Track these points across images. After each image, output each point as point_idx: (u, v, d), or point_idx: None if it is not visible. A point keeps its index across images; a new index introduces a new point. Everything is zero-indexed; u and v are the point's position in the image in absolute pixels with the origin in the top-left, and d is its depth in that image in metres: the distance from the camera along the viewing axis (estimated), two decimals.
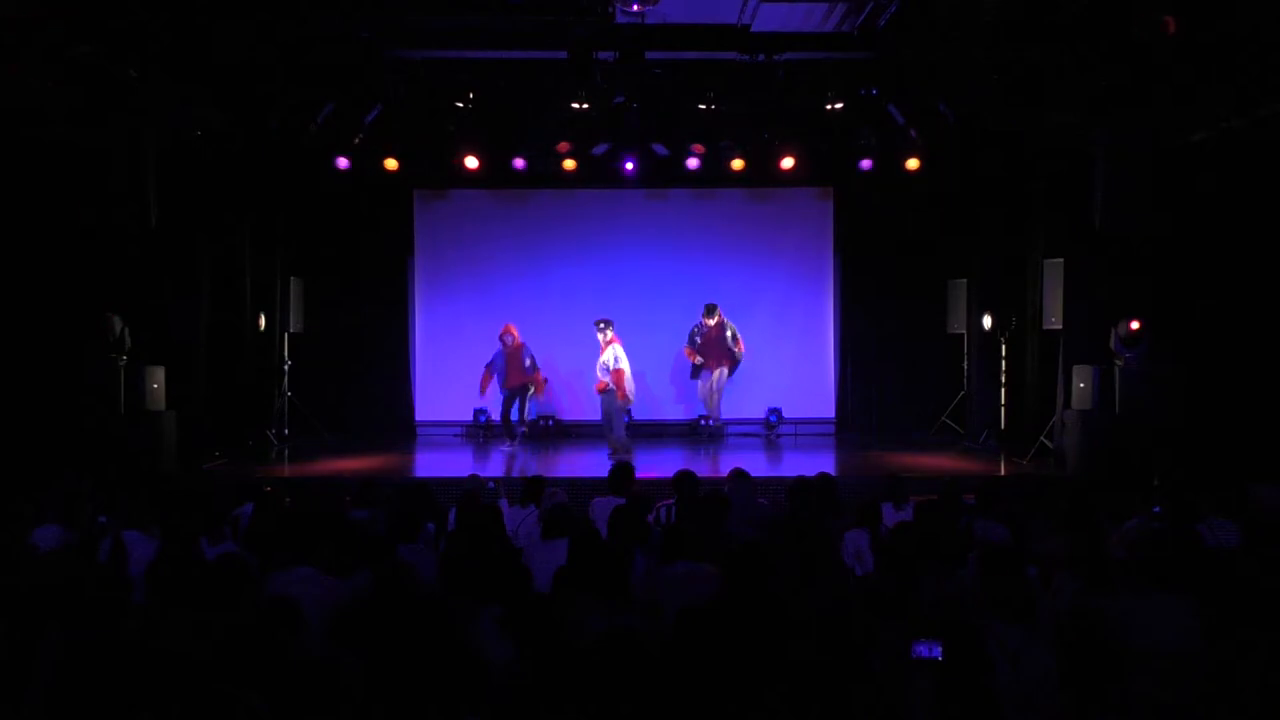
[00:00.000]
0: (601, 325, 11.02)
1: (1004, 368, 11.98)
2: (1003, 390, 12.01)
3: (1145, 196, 9.55)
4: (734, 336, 11.76)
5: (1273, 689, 3.12)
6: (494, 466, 10.69)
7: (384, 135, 11.59)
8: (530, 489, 7.04)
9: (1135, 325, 9.47)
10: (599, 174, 12.53)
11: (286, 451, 11.73)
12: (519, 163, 11.94)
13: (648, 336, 12.38)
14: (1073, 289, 10.27)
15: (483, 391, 11.71)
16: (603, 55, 9.57)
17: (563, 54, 9.52)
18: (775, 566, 4.52)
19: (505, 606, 3.93)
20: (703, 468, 10.02)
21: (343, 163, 11.62)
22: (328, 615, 4.11)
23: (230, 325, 11.44)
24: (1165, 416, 9.35)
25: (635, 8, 8.33)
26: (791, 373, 13.28)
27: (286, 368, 12.36)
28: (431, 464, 11.27)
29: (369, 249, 13.35)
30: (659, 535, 5.47)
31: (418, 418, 13.42)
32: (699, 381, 12.00)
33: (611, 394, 10.79)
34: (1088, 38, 8.50)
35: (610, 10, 8.61)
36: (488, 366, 11.55)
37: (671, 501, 6.55)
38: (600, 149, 12.05)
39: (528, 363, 11.39)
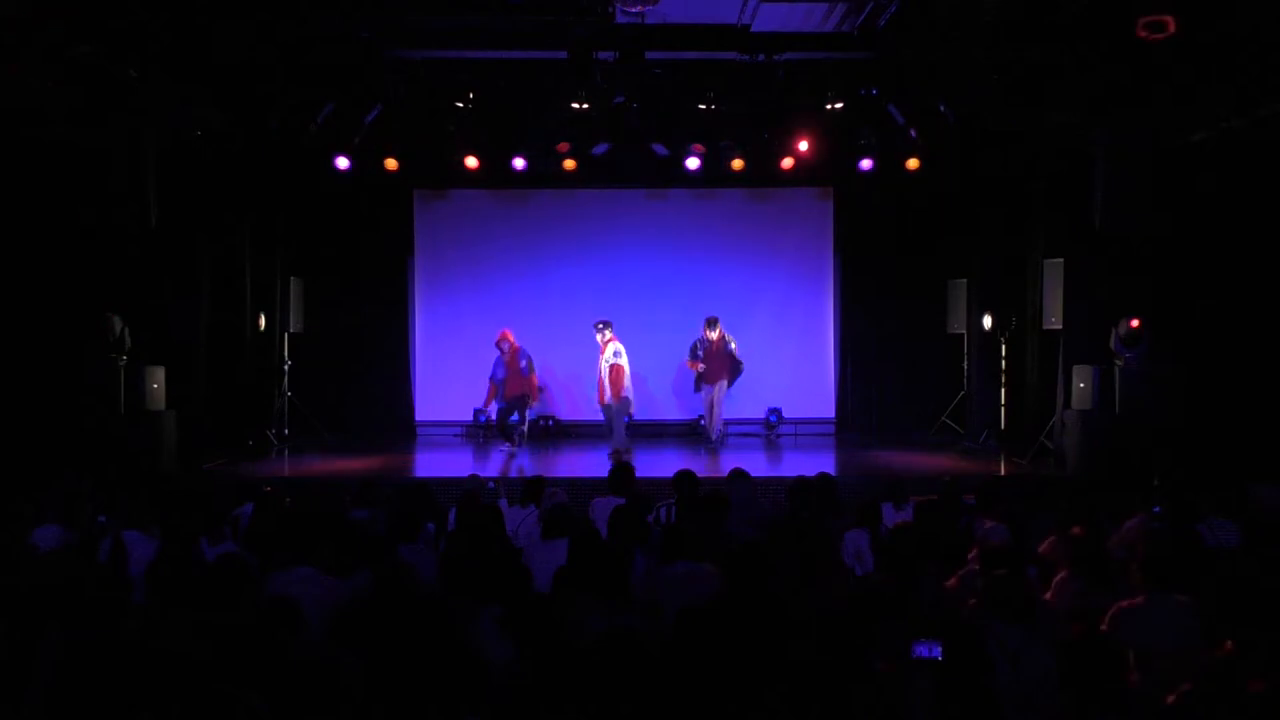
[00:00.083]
0: (600, 326, 11.04)
1: (1004, 368, 11.97)
2: (1003, 390, 12.00)
3: (1145, 196, 9.55)
4: (734, 351, 11.64)
5: (1273, 689, 3.12)
6: (494, 466, 10.69)
7: (384, 135, 11.59)
8: (530, 489, 7.04)
9: (1135, 323, 9.47)
10: (599, 174, 12.54)
11: (286, 451, 11.73)
12: (519, 163, 11.94)
13: (648, 336, 12.37)
14: (1073, 289, 10.26)
15: (487, 405, 11.77)
16: (603, 55, 9.57)
17: (563, 54, 9.52)
18: (775, 566, 4.52)
19: (505, 606, 3.93)
20: (703, 468, 10.01)
21: (343, 163, 11.61)
22: (328, 615, 4.11)
23: (230, 325, 11.44)
24: (1165, 416, 9.35)
25: (635, 8, 8.33)
26: (791, 373, 13.28)
27: (286, 368, 12.36)
28: (431, 464, 11.27)
29: (369, 249, 13.34)
30: (659, 535, 5.48)
31: (418, 418, 13.42)
32: (700, 394, 11.93)
33: (609, 406, 10.87)
34: (1088, 38, 8.50)
35: (610, 10, 8.61)
36: (491, 380, 11.54)
37: (671, 501, 6.55)
38: (600, 149, 12.05)
39: (524, 364, 11.37)
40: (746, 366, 11.79)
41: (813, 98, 10.75)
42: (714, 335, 11.36)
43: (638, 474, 7.41)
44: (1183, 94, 8.88)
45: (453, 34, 9.65)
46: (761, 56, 9.84)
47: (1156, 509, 6.41)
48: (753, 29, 9.48)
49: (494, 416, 11.90)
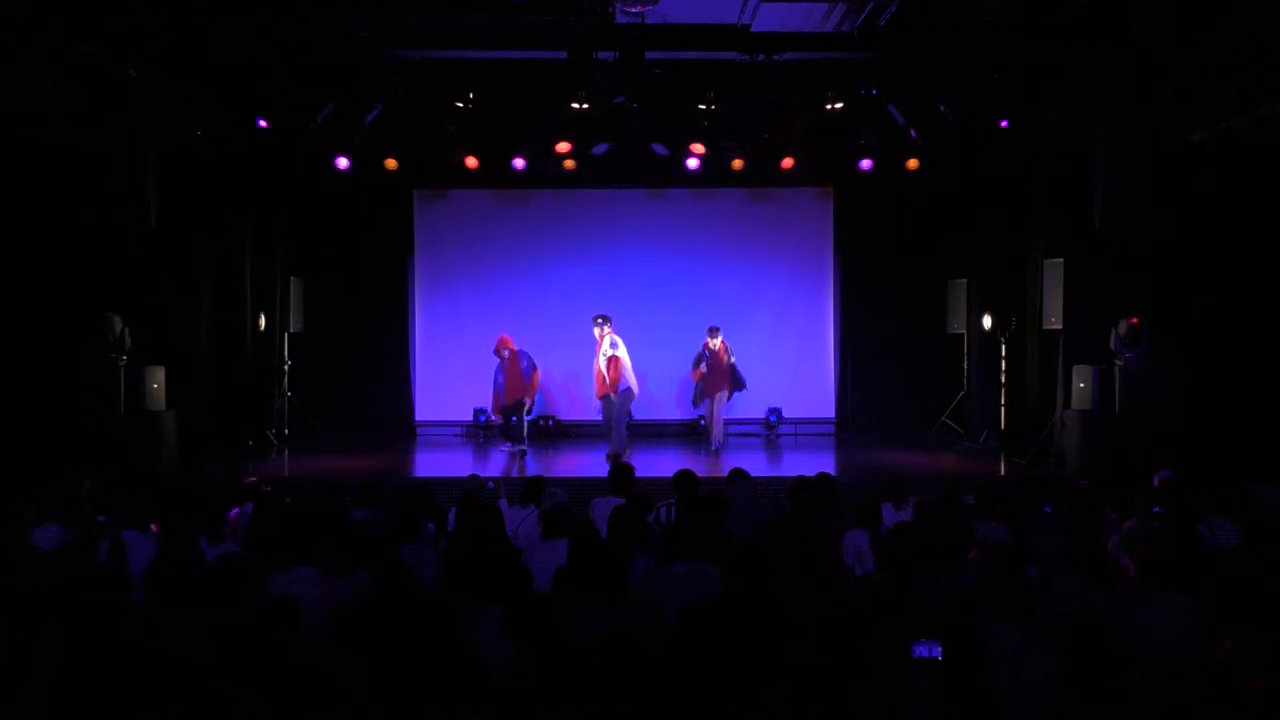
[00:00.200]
0: (599, 321, 10.98)
1: (1004, 368, 11.98)
2: (1003, 390, 12.01)
3: (1145, 196, 9.55)
4: (734, 364, 11.53)
5: (1273, 689, 3.12)
6: (494, 466, 10.69)
7: (384, 135, 11.59)
8: (530, 489, 7.04)
9: (1134, 320, 9.48)
10: (599, 174, 12.54)
11: (286, 451, 11.73)
12: (519, 163, 11.94)
13: (648, 336, 12.36)
14: (1073, 289, 10.27)
15: (494, 412, 11.70)
16: (603, 55, 9.58)
17: (563, 54, 9.53)
18: (775, 566, 4.52)
19: (505, 606, 3.93)
20: (703, 468, 10.01)
21: (343, 163, 11.62)
22: (328, 615, 4.11)
23: (230, 325, 11.44)
24: (1165, 416, 9.34)
25: (635, 8, 8.34)
26: (791, 373, 13.28)
27: (286, 368, 12.36)
28: (431, 464, 11.26)
29: (369, 249, 13.35)
30: (659, 535, 5.47)
31: (418, 418, 13.42)
32: (701, 408, 11.87)
33: (610, 399, 10.81)
34: (1088, 38, 8.51)
35: (610, 10, 8.62)
36: (494, 388, 11.49)
37: (671, 501, 6.55)
38: (600, 149, 12.05)
39: (525, 365, 11.33)
40: (746, 366, 11.76)
41: (813, 98, 10.76)
42: (717, 345, 11.31)
43: (638, 474, 7.40)
44: (1183, 94, 8.88)
45: (453, 34, 9.65)
46: (761, 56, 9.84)
47: (1156, 509, 6.41)
48: (753, 29, 9.48)
49: (494, 418, 11.93)
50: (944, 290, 13.07)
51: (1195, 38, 7.98)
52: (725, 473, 7.43)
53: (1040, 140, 10.63)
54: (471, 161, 11.81)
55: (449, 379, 13.19)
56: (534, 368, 11.41)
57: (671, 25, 9.36)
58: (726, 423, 11.90)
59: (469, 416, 13.01)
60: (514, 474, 9.98)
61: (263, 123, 10.49)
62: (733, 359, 11.49)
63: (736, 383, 11.58)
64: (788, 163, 11.97)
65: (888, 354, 13.48)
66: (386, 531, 5.69)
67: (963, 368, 12.78)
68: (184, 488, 8.68)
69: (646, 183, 13.12)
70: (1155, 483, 6.86)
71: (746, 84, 10.67)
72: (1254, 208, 9.56)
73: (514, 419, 11.32)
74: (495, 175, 12.25)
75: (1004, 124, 10.68)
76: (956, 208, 12.53)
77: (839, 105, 10.77)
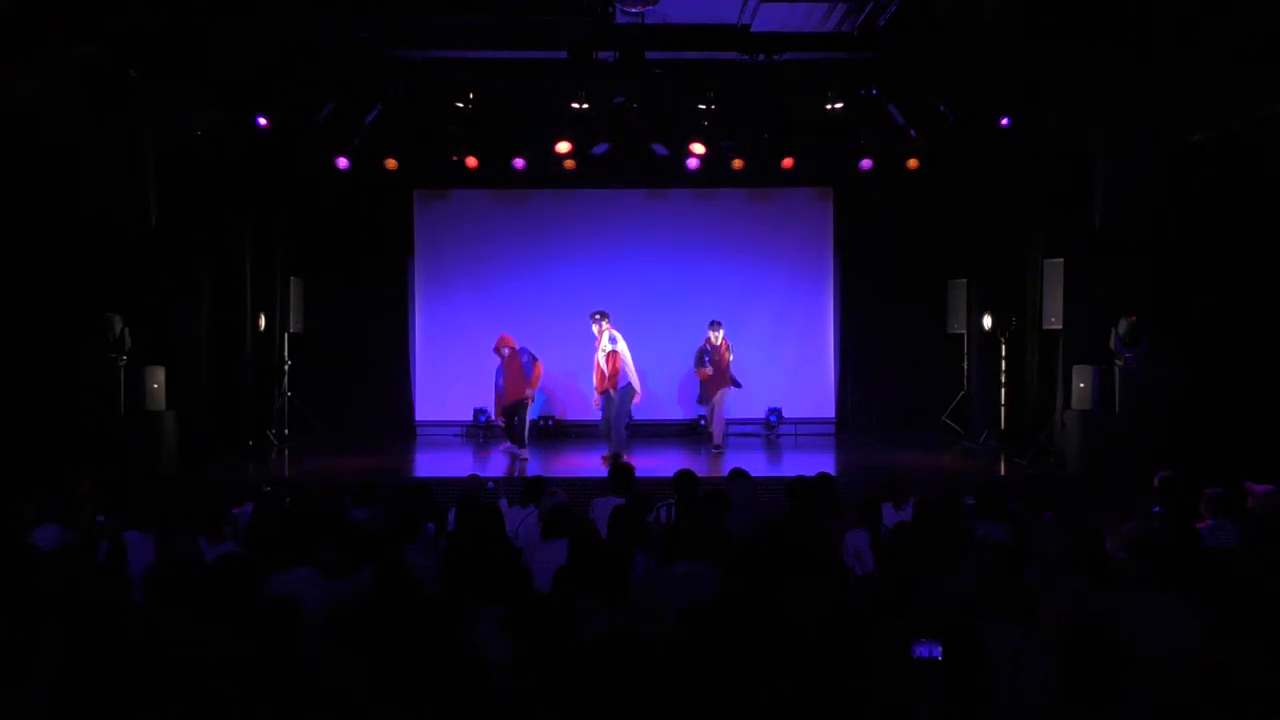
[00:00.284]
0: (596, 317, 10.91)
1: (1004, 368, 11.97)
2: (1003, 390, 12.00)
3: (1145, 196, 9.55)
4: (731, 362, 11.49)
5: (1273, 689, 3.12)
6: (494, 466, 10.69)
7: (384, 135, 11.59)
8: (530, 489, 7.04)
9: (1133, 318, 9.49)
10: (599, 174, 12.54)
11: (286, 451, 11.73)
12: (519, 163, 11.94)
13: (648, 336, 12.35)
14: (1073, 289, 10.27)
15: (498, 414, 11.61)
16: (603, 55, 9.58)
17: (563, 54, 9.54)
18: (775, 566, 4.52)
19: (505, 606, 3.93)
20: (703, 468, 10.01)
21: (343, 163, 11.62)
22: (328, 615, 4.11)
23: (230, 325, 11.44)
24: (1165, 416, 9.35)
25: (635, 8, 8.34)
26: (791, 373, 13.28)
27: (286, 368, 12.36)
28: (431, 464, 11.27)
29: (369, 249, 13.34)
30: (659, 535, 5.47)
31: (418, 418, 13.42)
32: (704, 407, 11.79)
33: (609, 395, 10.74)
34: (1088, 38, 8.51)
35: (610, 10, 8.63)
36: (495, 390, 11.37)
37: (671, 501, 6.55)
38: (600, 149, 12.05)
39: (525, 360, 11.27)
40: (747, 366, 11.75)
41: (813, 98, 10.76)
42: (718, 340, 11.28)
43: (638, 474, 7.40)
44: (1183, 94, 8.88)
45: (453, 34, 9.66)
46: (761, 56, 9.85)
47: (1156, 509, 6.41)
48: (753, 29, 9.49)
49: (494, 417, 11.89)
50: (944, 290, 13.07)
51: (1195, 38, 7.98)
52: (725, 473, 7.43)
53: (1040, 140, 10.63)
54: (471, 161, 11.81)
55: (449, 379, 13.19)
56: (535, 360, 11.31)
57: (671, 25, 9.36)
58: (728, 422, 11.88)
59: (469, 416, 13.01)
60: (514, 474, 9.97)
61: (262, 121, 10.48)
62: (731, 357, 11.46)
63: (732, 381, 11.55)
64: (788, 163, 11.97)
65: (888, 354, 13.48)
66: (386, 531, 5.69)
67: (963, 368, 12.78)
68: (184, 488, 8.71)
69: (646, 183, 13.12)
70: (1155, 483, 6.86)
71: (746, 84, 10.67)
72: (1254, 208, 9.55)
73: (516, 420, 11.25)
74: (495, 175, 12.25)
75: (1004, 123, 10.68)
76: (956, 208, 12.53)
77: (839, 105, 10.77)
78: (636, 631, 3.51)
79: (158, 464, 9.46)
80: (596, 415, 11.38)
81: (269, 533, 5.43)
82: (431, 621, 3.80)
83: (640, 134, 11.75)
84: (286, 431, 12.24)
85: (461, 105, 11.01)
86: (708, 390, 11.44)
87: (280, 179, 11.94)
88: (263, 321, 11.90)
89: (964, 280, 12.61)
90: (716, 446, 11.33)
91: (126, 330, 9.50)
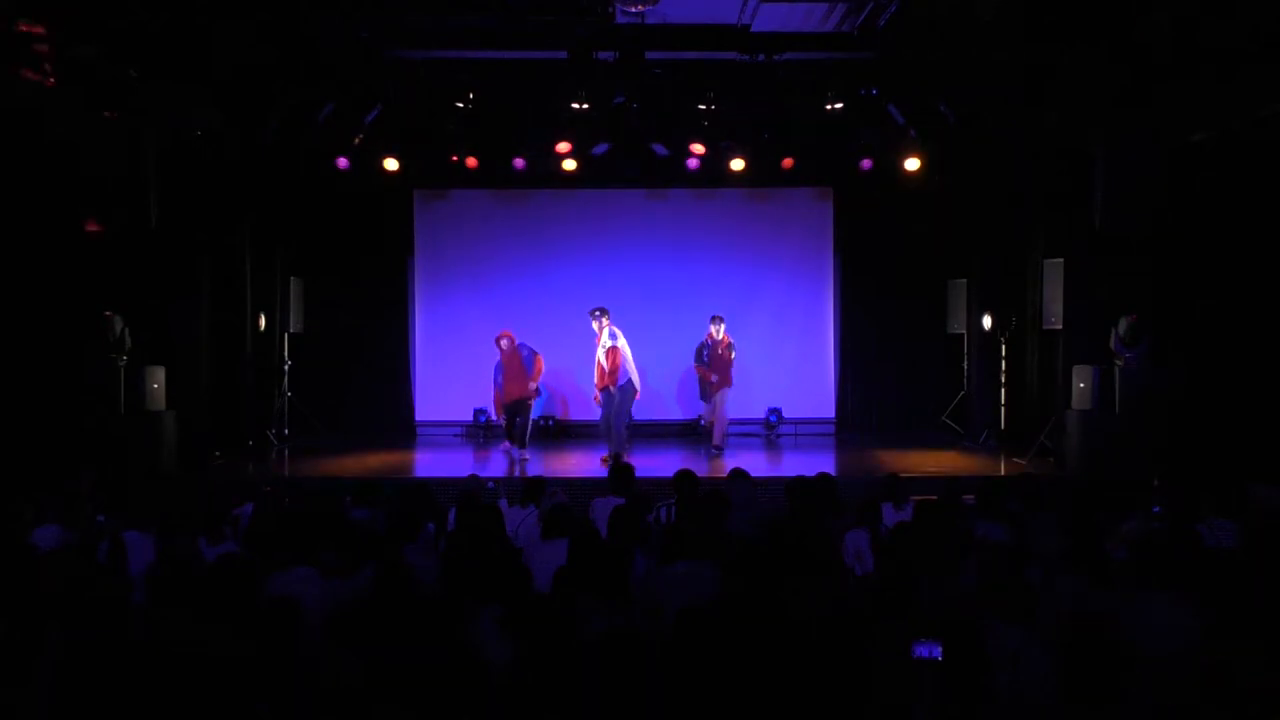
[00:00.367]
0: (596, 314, 10.85)
1: (1004, 368, 11.98)
2: (1003, 390, 12.00)
3: (1145, 196, 9.55)
4: (732, 360, 11.40)
5: (1273, 689, 3.12)
6: (494, 466, 10.69)
7: (384, 135, 11.60)
8: (530, 489, 7.04)
9: (1133, 318, 9.49)
10: (599, 174, 12.54)
11: (286, 451, 11.73)
12: (519, 163, 11.94)
13: (647, 336, 12.34)
14: (1073, 289, 10.26)
15: (498, 414, 11.55)
16: (603, 55, 9.58)
17: (563, 54, 9.54)
18: (775, 566, 4.52)
19: (505, 606, 3.93)
20: (703, 468, 10.01)
21: (343, 163, 11.62)
22: (328, 615, 4.11)
23: (230, 325, 11.43)
24: (1165, 416, 9.35)
25: (635, 8, 8.34)
26: (791, 373, 13.28)
27: (286, 368, 12.36)
28: (431, 464, 11.26)
29: (369, 249, 13.35)
30: (659, 535, 5.47)
31: (418, 418, 13.42)
32: (705, 403, 11.69)
33: (610, 392, 10.70)
34: (1088, 38, 8.51)
35: (610, 10, 8.63)
36: (495, 386, 11.33)
37: (671, 501, 6.55)
38: (600, 149, 12.05)
39: (526, 355, 11.22)
40: (747, 366, 11.73)
41: (813, 98, 10.76)
42: (719, 335, 11.22)
43: (638, 474, 7.40)
44: (1183, 94, 8.88)
45: (453, 34, 9.66)
46: (761, 56, 9.85)
47: (1156, 509, 6.41)
48: (753, 29, 9.49)
49: (494, 417, 11.85)
50: (944, 290, 13.08)
51: (1195, 38, 7.98)
52: (725, 473, 7.43)
53: (1040, 140, 10.63)
54: (471, 161, 11.81)
55: (449, 379, 13.19)
56: (535, 354, 11.24)
57: (671, 25, 9.36)
58: (730, 422, 11.77)
59: (469, 416, 13.01)
60: (514, 474, 9.97)
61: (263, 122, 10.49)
62: (734, 355, 11.39)
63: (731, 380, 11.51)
64: (788, 163, 11.97)
65: (888, 354, 13.48)
66: (386, 531, 5.69)
67: (963, 368, 12.78)
68: (184, 488, 8.71)
69: (646, 183, 13.12)
70: (1155, 483, 6.86)
71: (746, 84, 10.67)
72: (1254, 208, 9.55)
73: (518, 419, 11.18)
74: (495, 175, 12.26)
75: (1003, 124, 10.68)
76: (956, 208, 12.53)
77: (839, 105, 10.77)
78: (636, 631, 3.51)
79: (158, 464, 9.46)
80: (597, 415, 11.36)
81: (269, 533, 5.42)
82: (431, 621, 3.81)
83: (640, 134, 11.76)
84: (286, 431, 12.24)
85: (461, 105, 11.01)
86: (709, 389, 11.39)
87: (280, 179, 11.93)
88: (263, 321, 11.90)
89: (964, 280, 12.61)
90: (716, 447, 11.26)
91: (126, 330, 9.50)
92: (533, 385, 11.15)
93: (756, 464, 10.15)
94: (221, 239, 11.28)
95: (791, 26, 9.48)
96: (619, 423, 10.79)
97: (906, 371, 13.43)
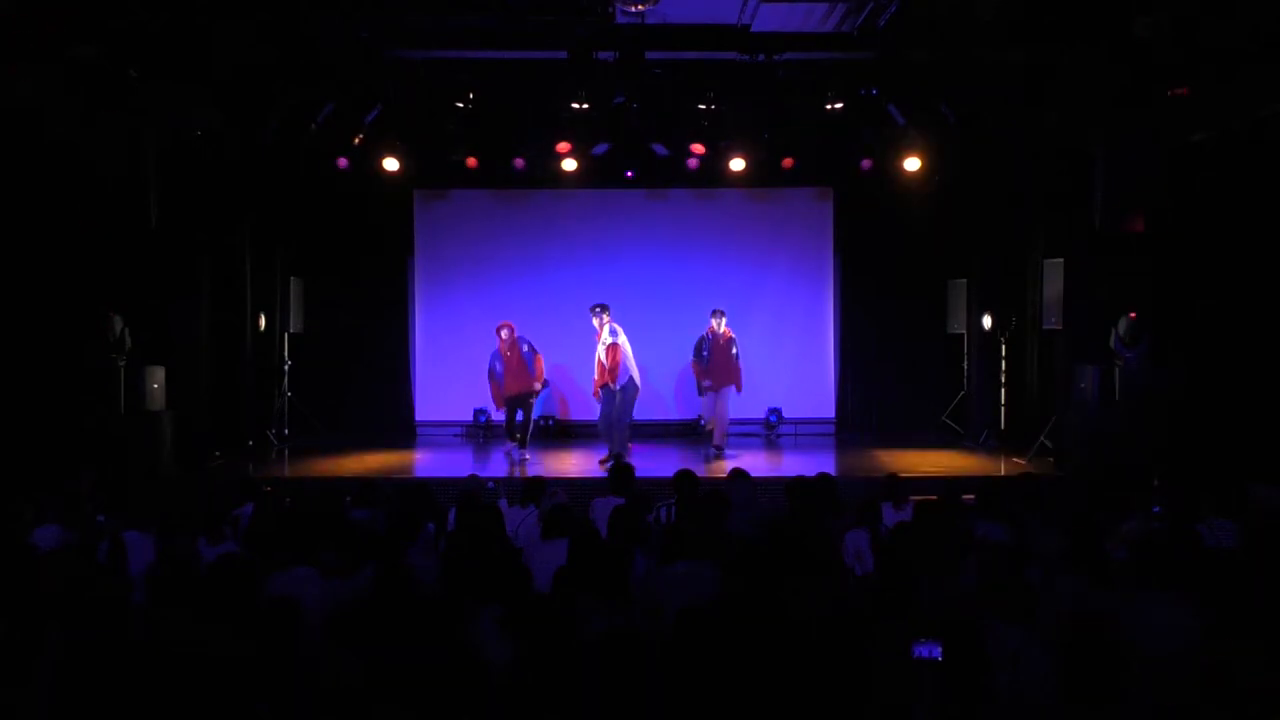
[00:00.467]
0: (596, 310, 10.74)
1: (1004, 368, 11.98)
2: (1003, 390, 12.01)
3: (1145, 196, 9.55)
4: (736, 355, 11.14)
5: (1273, 689, 3.12)
6: (494, 467, 10.68)
7: (384, 135, 11.59)
8: (530, 489, 7.04)
9: (1133, 315, 9.49)
10: (599, 174, 12.54)
11: (286, 451, 11.73)
12: (519, 163, 11.94)
13: (648, 336, 12.31)
14: (1073, 289, 10.26)
15: (498, 405, 11.39)
16: (603, 55, 9.57)
17: (563, 54, 9.53)
18: (775, 566, 4.52)
19: (505, 606, 3.93)
20: (702, 468, 10.01)
21: (343, 163, 11.62)
22: (328, 615, 4.11)
23: (230, 325, 11.43)
24: (1165, 416, 9.35)
25: (635, 8, 8.34)
26: (791, 373, 13.27)
27: (286, 368, 12.36)
28: (431, 464, 11.26)
29: (369, 249, 13.34)
30: (659, 535, 5.47)
31: (418, 418, 13.42)
32: (704, 399, 11.47)
33: (610, 390, 10.63)
34: (1088, 38, 8.50)
35: (610, 10, 8.62)
36: (491, 376, 11.19)
37: (671, 501, 6.55)
38: (600, 149, 12.04)
39: (525, 349, 11.15)
40: (746, 366, 11.69)
41: (813, 98, 10.76)
42: (720, 330, 11.04)
43: (638, 474, 7.40)
44: (1183, 94, 8.88)
45: (453, 34, 9.66)
46: (761, 56, 9.84)
47: (1156, 509, 6.41)
48: (753, 29, 9.48)
49: (494, 417, 11.80)
50: (944, 290, 13.08)
51: (1195, 38, 7.98)
52: (725, 473, 7.43)
53: (1040, 140, 10.62)
54: (471, 161, 11.81)
55: (449, 379, 13.18)
56: (535, 352, 11.16)
57: (671, 25, 9.36)
58: (732, 422, 11.64)
59: (469, 416, 13.01)
60: (514, 474, 9.97)
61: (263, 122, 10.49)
62: (736, 351, 11.15)
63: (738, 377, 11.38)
64: (788, 163, 11.97)
65: (888, 354, 13.47)
66: (387, 531, 5.69)
67: (963, 368, 12.78)
68: (184, 488, 8.71)
69: (646, 183, 13.12)
70: (1155, 482, 6.87)
71: (746, 84, 10.67)
72: (1254, 208, 9.55)
73: (519, 415, 11.08)
74: (495, 175, 12.26)
75: (1003, 124, 10.68)
76: (956, 208, 12.52)
77: (839, 105, 10.76)
78: (636, 631, 3.51)
79: (158, 464, 9.46)
80: (597, 415, 11.32)
81: (269, 533, 5.42)
82: (431, 621, 3.81)
83: (640, 134, 11.76)
84: (286, 431, 12.24)
85: (461, 105, 11.00)
86: (710, 386, 11.22)
87: (280, 179, 11.92)
88: (263, 321, 11.90)
89: (964, 280, 12.61)
90: (716, 447, 11.14)
91: (126, 330, 9.50)
92: (538, 385, 11.14)
93: (756, 464, 10.15)
94: (221, 239, 11.28)
95: (791, 26, 9.47)
96: (621, 422, 10.71)
97: (906, 371, 13.42)
